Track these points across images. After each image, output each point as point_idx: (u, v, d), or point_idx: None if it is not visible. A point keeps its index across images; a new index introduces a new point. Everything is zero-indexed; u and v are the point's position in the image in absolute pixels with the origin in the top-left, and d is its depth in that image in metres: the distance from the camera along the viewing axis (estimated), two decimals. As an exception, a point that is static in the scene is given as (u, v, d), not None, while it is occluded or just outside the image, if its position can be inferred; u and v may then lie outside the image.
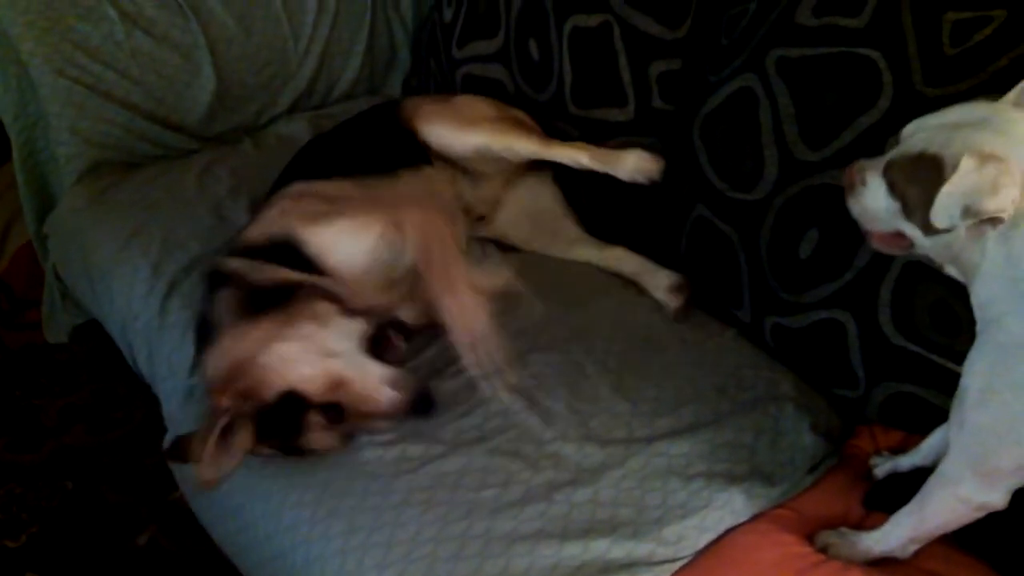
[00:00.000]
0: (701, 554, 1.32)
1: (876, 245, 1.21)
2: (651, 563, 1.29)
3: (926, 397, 1.42)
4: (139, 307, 1.75)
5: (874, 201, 1.14)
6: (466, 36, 2.09)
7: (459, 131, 1.78)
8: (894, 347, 1.44)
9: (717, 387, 1.54)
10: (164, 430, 1.69)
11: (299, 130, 2.16)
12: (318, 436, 1.41)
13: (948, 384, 1.21)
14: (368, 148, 1.77)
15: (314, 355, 1.42)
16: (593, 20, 1.81)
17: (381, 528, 1.32)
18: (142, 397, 1.95)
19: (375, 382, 1.42)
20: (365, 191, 1.62)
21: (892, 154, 1.12)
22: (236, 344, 1.43)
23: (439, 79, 2.20)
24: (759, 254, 1.60)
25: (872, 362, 1.48)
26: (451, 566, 1.27)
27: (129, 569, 1.90)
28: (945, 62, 1.39)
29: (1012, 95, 1.11)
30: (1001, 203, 1.00)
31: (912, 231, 1.12)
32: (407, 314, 1.58)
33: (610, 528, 1.31)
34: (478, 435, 1.44)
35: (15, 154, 2.06)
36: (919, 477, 1.24)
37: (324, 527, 1.34)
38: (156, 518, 1.97)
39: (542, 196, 1.90)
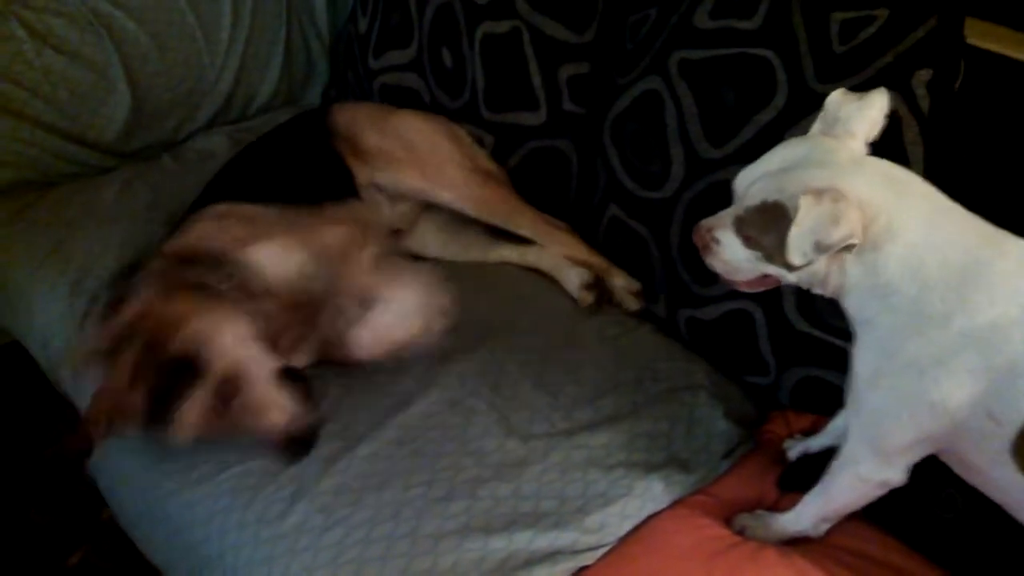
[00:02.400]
0: (623, 541, 1.36)
1: (745, 289, 1.26)
2: (575, 551, 1.33)
3: (832, 380, 1.48)
4: (58, 326, 1.74)
5: (733, 255, 1.19)
6: (381, 46, 2.11)
7: (433, 188, 1.82)
8: (799, 333, 1.51)
9: (634, 379, 1.59)
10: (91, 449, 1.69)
11: (218, 144, 2.17)
12: (192, 412, 1.33)
13: None
14: (295, 172, 1.76)
15: (238, 337, 1.38)
16: (502, 27, 1.85)
17: (308, 532, 1.34)
18: (68, 416, 1.92)
19: (280, 397, 1.37)
20: (288, 219, 1.61)
21: (736, 210, 1.17)
22: (160, 300, 1.38)
23: (357, 89, 2.22)
24: (670, 250, 1.66)
25: (780, 349, 1.54)
26: (379, 567, 1.29)
27: (61, 590, 1.89)
28: (835, 59, 1.46)
29: (818, 126, 1.18)
30: (845, 232, 1.07)
31: (777, 271, 1.18)
32: (299, 359, 1.55)
33: (534, 519, 1.35)
34: (402, 436, 1.47)
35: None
36: (829, 457, 1.30)
37: (252, 532, 1.35)
38: (88, 538, 1.96)
39: None
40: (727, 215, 1.19)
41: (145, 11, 2.09)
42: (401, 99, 2.07)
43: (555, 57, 1.81)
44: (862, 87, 1.41)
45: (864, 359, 1.19)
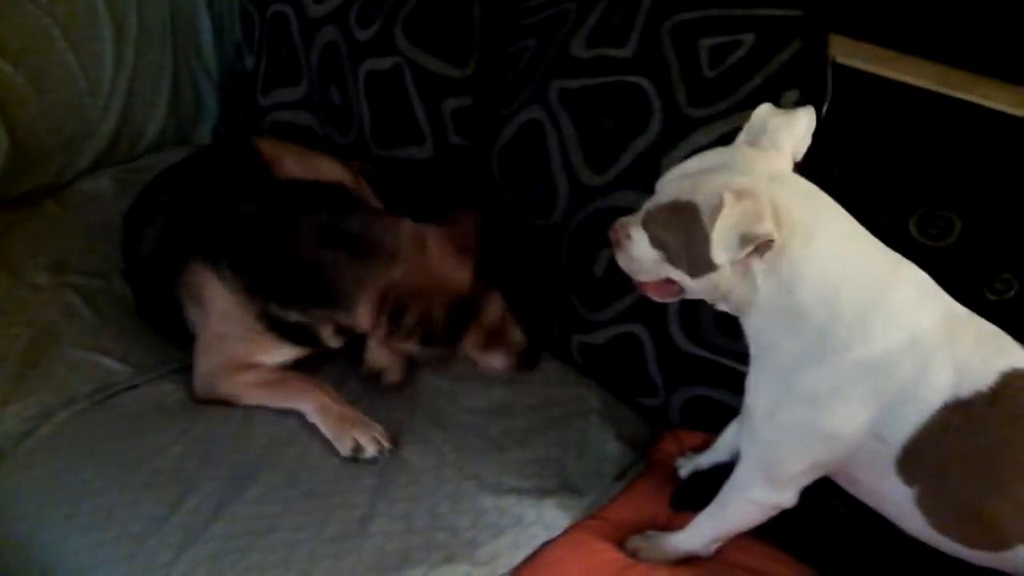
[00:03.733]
0: (517, 571, 1.36)
1: (650, 294, 1.26)
2: (467, 584, 1.32)
3: (719, 398, 1.51)
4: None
5: (639, 252, 1.19)
6: (270, 84, 2.09)
7: None
8: (685, 354, 1.53)
9: (527, 406, 1.60)
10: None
11: (104, 186, 2.12)
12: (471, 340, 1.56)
13: (737, 383, 1.30)
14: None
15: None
16: (385, 63, 1.85)
17: (195, 582, 1.30)
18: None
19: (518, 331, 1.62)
20: None
21: (647, 206, 1.17)
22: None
23: (248, 127, 2.20)
24: (561, 276, 1.67)
25: (668, 370, 1.56)
26: (270, 613, 1.26)
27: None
28: (706, 84, 1.50)
29: (743, 136, 1.19)
30: (769, 226, 1.06)
31: (679, 276, 1.17)
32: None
33: (425, 554, 1.34)
34: (289, 479, 1.44)
35: None
36: (721, 474, 1.32)
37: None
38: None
39: None
40: (642, 212, 1.18)
41: (23, 53, 2.03)
42: (294, 135, 2.05)
43: (437, 91, 1.82)
44: (732, 110, 1.47)
45: (761, 390, 1.21)
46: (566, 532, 1.41)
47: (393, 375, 1.62)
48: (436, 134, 1.84)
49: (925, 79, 1.46)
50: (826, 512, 1.35)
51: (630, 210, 1.24)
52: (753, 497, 1.26)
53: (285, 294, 1.55)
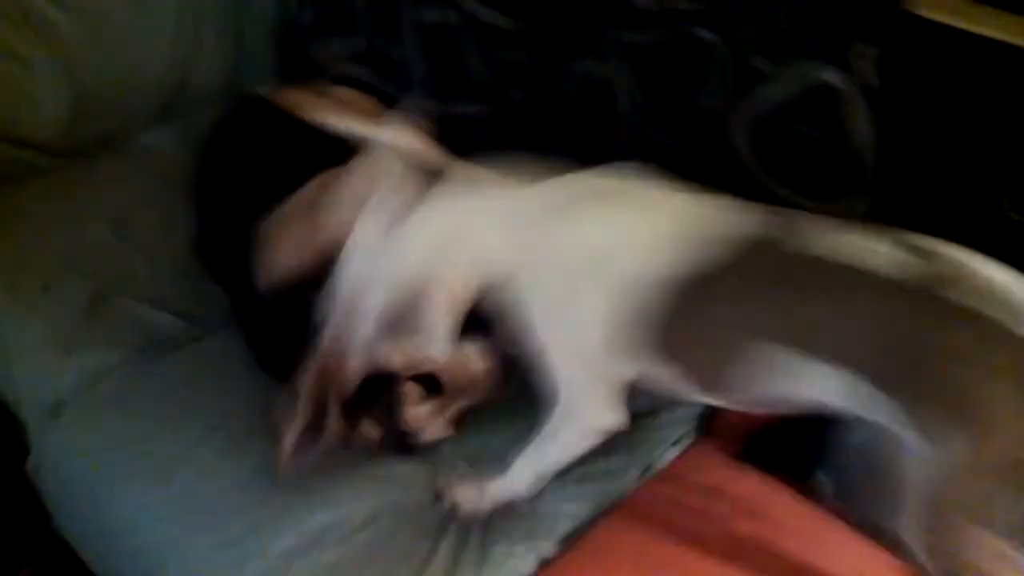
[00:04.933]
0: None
1: None
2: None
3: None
4: (15, 337, 1.68)
5: None
6: (327, 37, 2.08)
7: None
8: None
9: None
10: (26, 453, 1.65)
11: (163, 140, 2.11)
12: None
13: None
14: None
15: None
16: (440, 16, 1.81)
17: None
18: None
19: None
20: None
21: None
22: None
23: (302, 81, 2.18)
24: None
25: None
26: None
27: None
28: (777, 35, 1.44)
29: None
30: None
31: None
32: None
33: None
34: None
35: None
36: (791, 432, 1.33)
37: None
38: (32, 556, 1.89)
39: None
40: None
41: (83, 5, 2.04)
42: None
43: (494, 44, 1.77)
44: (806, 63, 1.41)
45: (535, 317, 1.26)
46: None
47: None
48: (495, 89, 1.80)
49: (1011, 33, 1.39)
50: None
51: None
52: (584, 425, 1.27)
53: None
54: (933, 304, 1.05)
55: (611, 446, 1.41)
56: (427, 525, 1.33)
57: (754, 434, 1.46)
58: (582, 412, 1.27)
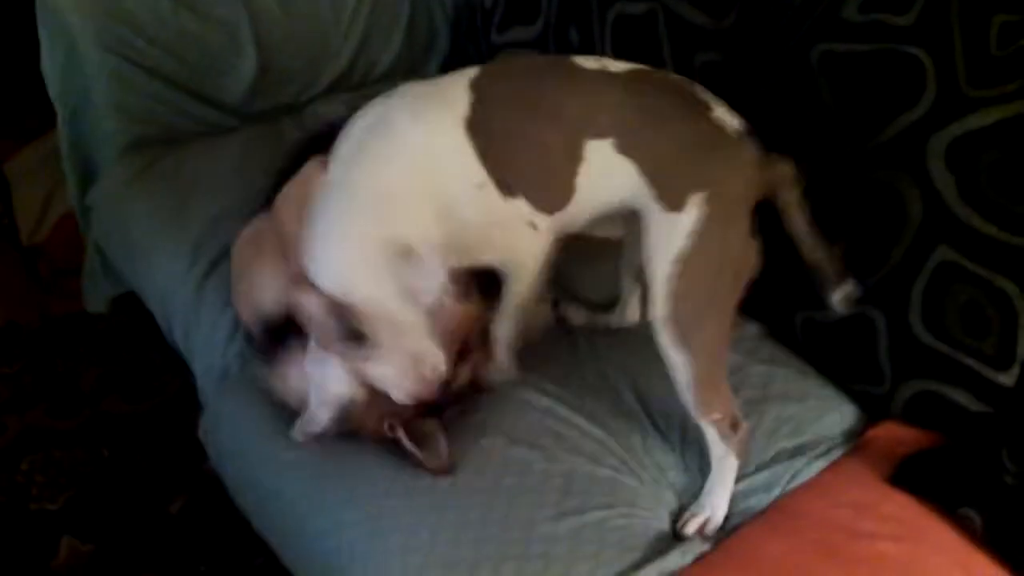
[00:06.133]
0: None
1: None
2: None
3: (952, 397, 1.43)
4: (177, 284, 1.77)
5: None
6: (506, 21, 2.09)
7: None
8: (923, 346, 1.44)
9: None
10: (198, 402, 1.73)
11: (337, 110, 2.15)
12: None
13: (975, 384, 1.32)
14: None
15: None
16: (639, 8, 1.79)
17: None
18: (177, 368, 1.98)
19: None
20: None
21: None
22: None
23: (477, 63, 2.19)
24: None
25: (900, 360, 1.48)
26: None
27: (162, 535, 1.95)
28: (991, 63, 1.39)
29: None
30: None
31: None
32: None
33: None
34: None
35: (60, 127, 2.09)
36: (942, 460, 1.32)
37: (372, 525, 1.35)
38: (188, 488, 2.01)
39: None
40: None
41: (276, -25, 2.12)
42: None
43: (690, 43, 1.75)
44: (1016, 95, 1.35)
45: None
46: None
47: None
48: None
49: None
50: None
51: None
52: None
53: None
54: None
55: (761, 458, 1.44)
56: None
57: (906, 458, 1.42)
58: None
